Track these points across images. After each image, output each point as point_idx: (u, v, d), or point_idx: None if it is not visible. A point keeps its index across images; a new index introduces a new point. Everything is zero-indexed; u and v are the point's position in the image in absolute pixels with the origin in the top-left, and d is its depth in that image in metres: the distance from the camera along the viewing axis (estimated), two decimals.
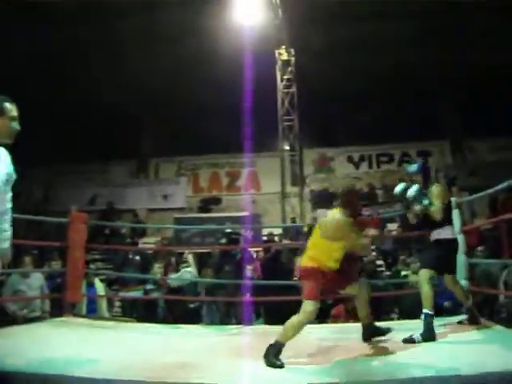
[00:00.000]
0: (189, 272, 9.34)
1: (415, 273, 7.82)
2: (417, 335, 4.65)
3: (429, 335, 4.66)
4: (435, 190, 5.28)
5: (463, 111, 16.71)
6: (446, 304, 7.14)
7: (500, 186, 5.42)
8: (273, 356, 4.14)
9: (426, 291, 4.96)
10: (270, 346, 4.22)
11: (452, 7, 13.56)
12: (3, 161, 3.45)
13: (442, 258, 5.12)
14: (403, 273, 8.98)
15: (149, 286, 8.94)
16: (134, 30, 14.33)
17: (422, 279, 5.04)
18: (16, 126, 3.58)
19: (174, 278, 9.08)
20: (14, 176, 3.51)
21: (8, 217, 3.43)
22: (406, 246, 12.48)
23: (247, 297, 8.11)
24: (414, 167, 5.80)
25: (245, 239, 13.05)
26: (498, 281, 7.37)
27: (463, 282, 5.67)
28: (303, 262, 4.71)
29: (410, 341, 4.61)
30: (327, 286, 4.58)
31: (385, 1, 13.67)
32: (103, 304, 8.53)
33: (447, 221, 5.26)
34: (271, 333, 5.80)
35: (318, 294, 4.47)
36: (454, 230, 5.39)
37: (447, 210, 5.33)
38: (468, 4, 13.37)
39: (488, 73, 15.12)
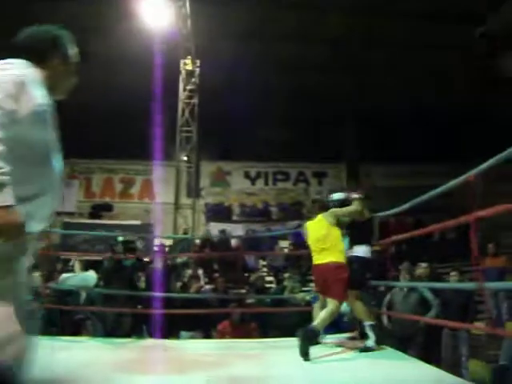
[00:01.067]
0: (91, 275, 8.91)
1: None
2: (370, 342, 5.11)
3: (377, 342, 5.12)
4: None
5: (362, 137, 17.26)
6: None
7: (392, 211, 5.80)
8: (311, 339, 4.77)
9: (359, 307, 5.37)
10: (309, 331, 4.84)
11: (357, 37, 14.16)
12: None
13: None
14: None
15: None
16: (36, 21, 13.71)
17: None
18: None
19: (74, 279, 8.64)
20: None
21: None
22: (295, 264, 12.71)
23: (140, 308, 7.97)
24: (338, 195, 5.97)
25: (147, 248, 12.82)
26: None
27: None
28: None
29: (367, 349, 5.05)
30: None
31: (298, 24, 13.98)
32: None
33: (358, 239, 5.55)
34: (158, 346, 5.72)
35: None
36: (365, 249, 5.54)
37: (360, 228, 5.60)
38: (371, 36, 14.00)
39: (389, 103, 15.81)
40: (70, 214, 17.50)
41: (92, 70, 15.10)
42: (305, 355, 4.61)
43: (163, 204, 17.59)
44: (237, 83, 15.36)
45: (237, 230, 15.97)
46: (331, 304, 5.12)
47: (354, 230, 5.62)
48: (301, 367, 4.48)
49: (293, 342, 4.87)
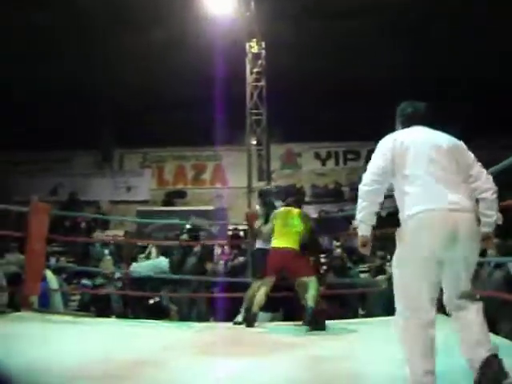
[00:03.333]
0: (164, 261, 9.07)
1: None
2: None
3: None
4: None
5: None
6: None
7: None
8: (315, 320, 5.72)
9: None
10: (310, 313, 5.71)
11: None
12: None
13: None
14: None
15: (98, 281, 8.67)
16: (100, 16, 13.96)
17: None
18: None
19: (146, 266, 8.82)
20: None
21: None
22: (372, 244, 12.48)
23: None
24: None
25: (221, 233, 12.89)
26: None
27: None
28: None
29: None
30: None
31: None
32: (57, 298, 7.98)
33: None
34: (232, 329, 5.73)
35: None
36: None
37: None
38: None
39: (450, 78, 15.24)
40: (144, 203, 17.85)
41: (157, 59, 15.38)
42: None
43: (235, 188, 17.67)
44: (303, 63, 15.18)
45: (309, 212, 15.78)
46: (312, 281, 6.03)
47: None
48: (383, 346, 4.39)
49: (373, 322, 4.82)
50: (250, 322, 6.00)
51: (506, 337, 5.15)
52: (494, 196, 2.96)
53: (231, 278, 8.14)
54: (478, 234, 2.89)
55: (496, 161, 4.46)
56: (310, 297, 5.86)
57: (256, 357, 4.26)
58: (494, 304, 6.27)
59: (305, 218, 6.57)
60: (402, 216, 2.92)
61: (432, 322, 2.79)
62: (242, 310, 6.37)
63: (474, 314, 2.90)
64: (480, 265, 6.84)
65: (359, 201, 3.03)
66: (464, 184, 2.92)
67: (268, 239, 6.46)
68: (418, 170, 2.87)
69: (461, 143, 3.09)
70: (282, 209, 6.65)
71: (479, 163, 3.05)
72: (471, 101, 15.55)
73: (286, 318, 7.14)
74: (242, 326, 6.07)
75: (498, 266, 6.66)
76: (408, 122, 3.24)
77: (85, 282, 8.83)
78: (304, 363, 3.97)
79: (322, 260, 9.62)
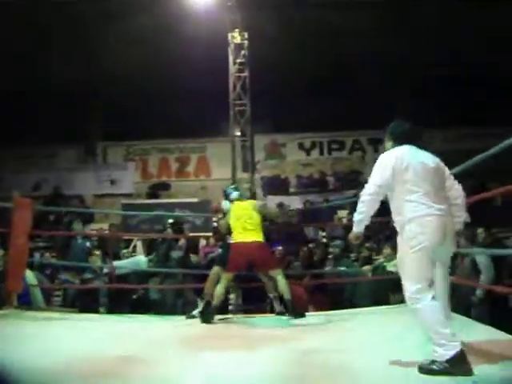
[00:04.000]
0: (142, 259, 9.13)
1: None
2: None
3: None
4: None
5: (416, 101, 16.78)
6: None
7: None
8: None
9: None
10: (288, 305, 5.93)
11: None
12: None
13: None
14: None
15: (86, 275, 8.61)
16: (81, 8, 13.78)
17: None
18: None
19: (124, 264, 8.82)
20: None
21: None
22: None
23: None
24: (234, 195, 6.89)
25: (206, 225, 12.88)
26: None
27: None
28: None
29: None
30: None
31: None
32: (37, 294, 7.78)
33: None
34: (217, 322, 5.72)
35: None
36: None
37: None
38: None
39: (441, 67, 15.28)
40: (128, 196, 17.76)
41: (140, 51, 15.25)
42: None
43: (220, 180, 17.61)
44: (286, 53, 15.14)
45: (294, 202, 15.81)
46: (280, 274, 6.14)
47: None
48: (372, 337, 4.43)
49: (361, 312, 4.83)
50: (206, 316, 6.02)
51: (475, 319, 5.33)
52: (464, 201, 3.94)
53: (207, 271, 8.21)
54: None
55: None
56: (285, 290, 6.00)
57: (244, 350, 4.26)
58: (466, 289, 6.84)
59: (260, 207, 6.59)
60: (402, 217, 3.62)
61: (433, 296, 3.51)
62: (200, 303, 6.49)
63: None
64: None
65: (361, 205, 3.74)
66: (444, 194, 3.77)
67: (225, 232, 6.72)
68: (416, 184, 3.60)
69: (439, 161, 3.89)
70: (236, 203, 6.70)
71: (452, 176, 3.96)
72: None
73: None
74: (228, 318, 6.11)
75: (466, 254, 7.12)
76: (399, 141, 3.91)
77: (64, 276, 8.74)
78: (293, 356, 3.97)
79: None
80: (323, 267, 9.17)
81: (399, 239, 3.68)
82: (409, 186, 3.60)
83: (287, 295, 5.94)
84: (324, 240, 12.83)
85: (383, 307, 6.54)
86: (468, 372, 3.21)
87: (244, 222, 6.30)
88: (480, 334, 4.40)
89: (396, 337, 4.41)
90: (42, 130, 16.57)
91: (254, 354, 4.12)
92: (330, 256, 9.71)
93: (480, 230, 7.99)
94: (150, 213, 13.10)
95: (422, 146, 3.91)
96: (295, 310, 5.95)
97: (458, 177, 4.08)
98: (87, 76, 15.96)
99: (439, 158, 3.91)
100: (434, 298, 3.47)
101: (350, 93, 16.19)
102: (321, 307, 7.26)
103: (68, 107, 16.60)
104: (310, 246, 10.31)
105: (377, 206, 3.74)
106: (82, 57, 15.36)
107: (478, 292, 6.88)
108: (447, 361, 3.27)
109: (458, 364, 3.25)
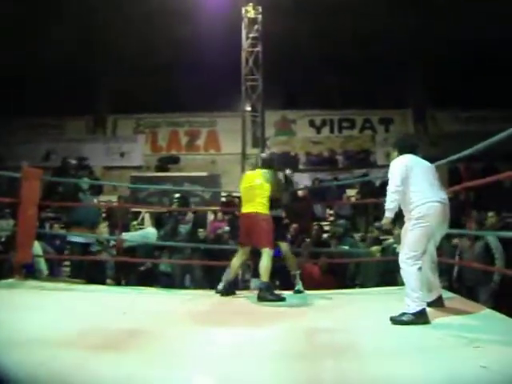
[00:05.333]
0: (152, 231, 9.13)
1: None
2: (299, 287, 6.35)
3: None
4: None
5: (428, 81, 16.66)
6: None
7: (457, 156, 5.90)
8: (270, 294, 5.66)
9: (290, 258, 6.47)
10: (263, 288, 5.69)
11: None
12: None
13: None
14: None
15: (94, 248, 8.63)
16: None
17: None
18: None
19: (134, 236, 8.84)
20: None
21: None
22: (363, 212, 12.52)
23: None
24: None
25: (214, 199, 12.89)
26: None
27: None
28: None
29: (299, 292, 6.33)
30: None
31: None
32: (42, 264, 7.83)
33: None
34: (226, 298, 5.73)
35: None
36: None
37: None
38: None
39: (455, 46, 15.07)
40: (138, 168, 17.78)
41: (152, 24, 15.14)
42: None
43: (229, 155, 17.59)
44: (299, 29, 14.99)
45: (303, 179, 15.80)
46: (266, 253, 5.81)
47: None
48: (378, 317, 4.45)
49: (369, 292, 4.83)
50: (224, 290, 6.09)
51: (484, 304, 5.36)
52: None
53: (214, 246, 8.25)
54: None
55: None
56: (264, 270, 5.77)
57: (249, 328, 4.27)
58: (474, 273, 6.97)
59: (268, 175, 6.19)
60: (411, 205, 4.54)
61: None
62: (223, 279, 6.38)
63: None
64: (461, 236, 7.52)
65: (392, 195, 4.60)
66: (442, 187, 4.77)
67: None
68: (420, 180, 4.58)
69: (432, 165, 4.92)
70: (246, 173, 6.67)
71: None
72: None
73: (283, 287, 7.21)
74: (231, 295, 6.09)
75: (477, 238, 7.18)
76: (404, 151, 4.85)
77: (74, 239, 8.67)
78: (298, 335, 3.97)
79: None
80: (329, 246, 9.19)
81: (406, 220, 4.65)
82: (415, 182, 4.56)
83: (265, 278, 5.76)
84: (331, 218, 12.87)
85: (391, 288, 6.52)
86: (427, 322, 4.22)
87: (246, 193, 6.18)
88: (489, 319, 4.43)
89: None
90: (52, 100, 16.54)
91: (259, 331, 4.13)
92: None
93: (491, 214, 7.96)
94: (159, 186, 13.08)
95: (418, 154, 4.90)
96: (274, 293, 5.83)
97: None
98: (99, 49, 15.90)
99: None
100: (420, 268, 4.40)
101: (363, 71, 16.06)
102: (328, 287, 7.25)
103: (79, 79, 16.55)
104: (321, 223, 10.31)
105: (400, 197, 4.60)
106: (93, 32, 15.27)
107: (496, 278, 6.87)
108: (414, 313, 4.23)
109: (422, 317, 4.24)
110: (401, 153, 4.90)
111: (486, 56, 15.23)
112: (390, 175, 4.73)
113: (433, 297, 4.81)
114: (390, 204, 4.66)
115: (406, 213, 4.66)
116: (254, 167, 6.56)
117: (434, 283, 4.85)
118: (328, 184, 14.76)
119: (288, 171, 7.45)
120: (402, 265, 4.45)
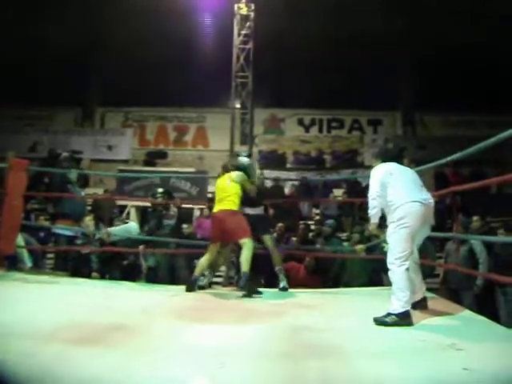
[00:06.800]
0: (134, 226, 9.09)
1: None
2: (283, 283, 6.46)
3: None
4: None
5: (418, 84, 16.71)
6: None
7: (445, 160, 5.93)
8: (249, 285, 5.84)
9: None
10: (243, 278, 5.83)
11: None
12: None
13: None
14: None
15: (79, 241, 8.56)
16: None
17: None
18: None
19: (116, 230, 8.76)
20: None
21: None
22: (350, 212, 12.54)
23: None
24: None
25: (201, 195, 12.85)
26: None
27: None
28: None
29: (284, 289, 6.42)
30: None
31: None
32: (24, 255, 7.78)
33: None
34: (210, 294, 5.71)
35: None
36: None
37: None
38: None
39: (445, 50, 15.15)
40: (125, 162, 17.70)
41: (142, 18, 15.08)
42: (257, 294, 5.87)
43: (217, 151, 17.55)
44: (291, 28, 14.98)
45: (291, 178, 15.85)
46: (245, 245, 5.95)
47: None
48: (363, 316, 4.51)
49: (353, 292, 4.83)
50: (189, 286, 6.15)
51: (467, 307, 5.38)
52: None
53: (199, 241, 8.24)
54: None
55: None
56: (244, 261, 5.90)
57: (233, 324, 4.26)
58: (458, 276, 6.99)
59: (237, 177, 6.41)
60: (391, 207, 4.61)
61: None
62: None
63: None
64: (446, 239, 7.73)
65: (373, 202, 4.74)
66: (424, 189, 4.80)
67: None
68: (400, 182, 4.68)
69: (414, 171, 5.08)
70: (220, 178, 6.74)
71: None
72: None
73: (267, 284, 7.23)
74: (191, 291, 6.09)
75: (463, 241, 7.18)
76: (386, 159, 5.03)
77: (60, 231, 8.64)
78: (282, 333, 3.96)
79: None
80: (315, 245, 9.18)
81: (388, 223, 4.65)
82: (395, 185, 4.67)
83: (245, 268, 5.87)
84: (317, 217, 12.87)
85: (377, 288, 6.54)
86: (410, 324, 4.23)
87: (218, 194, 6.38)
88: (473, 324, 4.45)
89: None
90: (40, 91, 16.42)
91: (242, 328, 4.12)
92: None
93: (475, 218, 8.04)
94: (146, 175, 13.02)
95: (400, 162, 5.14)
96: (249, 286, 5.90)
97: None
98: (89, 42, 15.81)
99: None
100: (408, 269, 4.42)
101: (353, 72, 16.08)
102: (314, 287, 7.24)
103: (68, 71, 16.42)
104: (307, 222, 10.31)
105: (382, 201, 4.69)
106: (83, 21, 15.18)
107: (479, 281, 7.01)
108: (397, 315, 4.26)
109: (405, 319, 4.24)
110: (384, 161, 5.02)
111: (476, 61, 15.28)
112: (370, 182, 4.85)
113: (416, 298, 4.79)
114: (372, 210, 4.80)
115: (389, 215, 4.69)
116: (225, 171, 6.74)
117: (417, 285, 4.83)
118: (314, 182, 14.81)
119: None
120: (389, 266, 4.48)
